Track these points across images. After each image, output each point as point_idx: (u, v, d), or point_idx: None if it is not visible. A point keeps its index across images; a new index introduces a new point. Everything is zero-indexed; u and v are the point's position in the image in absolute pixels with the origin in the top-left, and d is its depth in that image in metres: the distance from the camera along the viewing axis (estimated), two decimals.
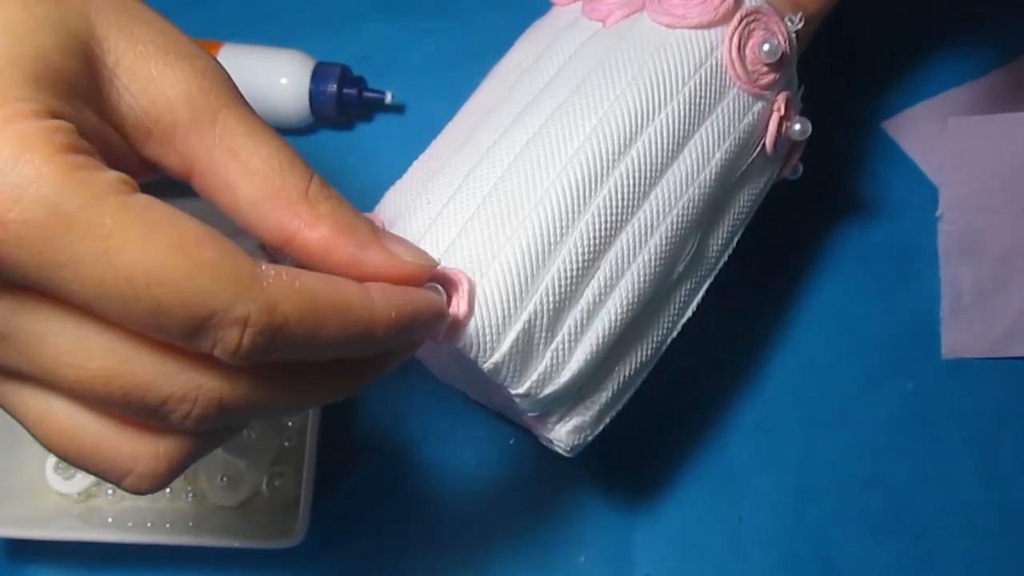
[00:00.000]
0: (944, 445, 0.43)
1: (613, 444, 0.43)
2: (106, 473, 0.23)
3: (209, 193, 0.24)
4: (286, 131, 0.48)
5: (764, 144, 0.34)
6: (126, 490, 0.23)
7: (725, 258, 0.36)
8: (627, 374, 0.33)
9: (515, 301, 0.29)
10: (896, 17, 0.48)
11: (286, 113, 0.47)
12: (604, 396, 0.33)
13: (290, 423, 0.43)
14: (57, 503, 0.42)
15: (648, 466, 0.43)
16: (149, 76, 0.22)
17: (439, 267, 0.27)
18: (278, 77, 0.46)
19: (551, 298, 0.29)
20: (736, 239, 0.36)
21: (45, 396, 0.22)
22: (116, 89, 0.22)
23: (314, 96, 0.46)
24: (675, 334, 0.35)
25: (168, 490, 0.42)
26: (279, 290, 0.21)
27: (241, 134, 0.23)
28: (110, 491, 0.42)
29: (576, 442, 0.33)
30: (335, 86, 0.46)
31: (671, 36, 0.32)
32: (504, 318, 0.29)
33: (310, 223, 0.23)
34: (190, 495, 0.42)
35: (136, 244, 0.19)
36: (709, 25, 0.32)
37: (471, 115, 0.35)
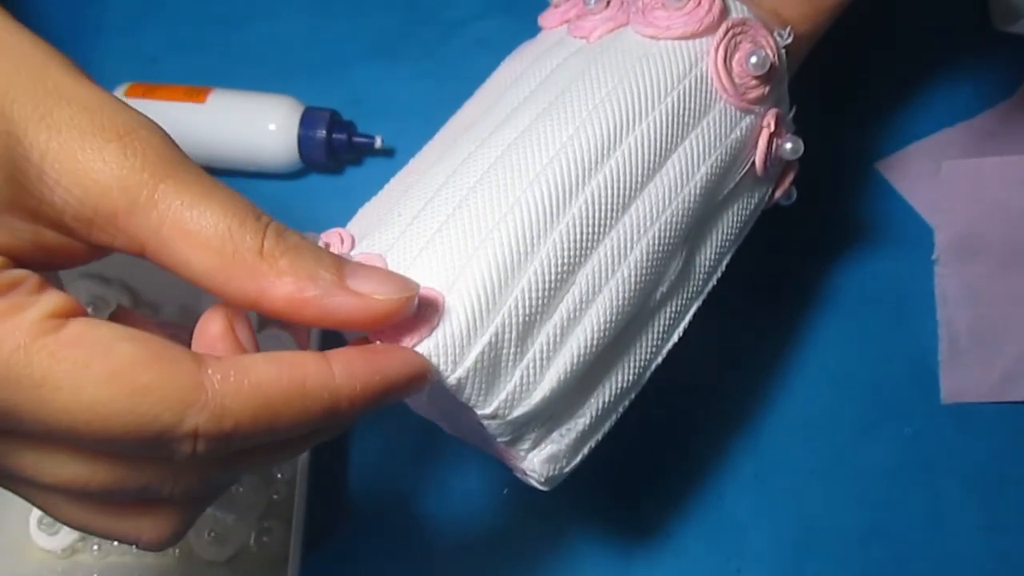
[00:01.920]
0: (944, 492, 0.42)
1: (608, 491, 0.42)
2: (122, 541, 0.24)
3: (166, 268, 0.23)
4: (275, 176, 0.48)
5: (754, 162, 0.33)
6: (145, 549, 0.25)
7: (713, 281, 0.34)
8: (606, 400, 0.32)
9: (481, 314, 0.28)
10: (888, 58, 0.48)
11: (275, 159, 0.46)
12: (581, 423, 0.31)
13: (280, 475, 0.42)
14: (41, 559, 0.41)
15: (645, 513, 0.42)
16: (77, 165, 0.21)
17: (420, 290, 0.26)
18: (266, 123, 0.46)
19: (521, 311, 0.28)
20: (725, 262, 0.34)
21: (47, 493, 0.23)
22: (47, 185, 0.21)
23: (303, 141, 0.46)
24: (659, 359, 0.33)
25: None
26: (226, 394, 0.21)
27: (185, 206, 0.22)
28: (95, 546, 0.42)
29: (551, 472, 0.31)
30: (324, 131, 0.46)
31: (654, 47, 0.31)
32: (469, 331, 0.27)
33: (272, 283, 0.22)
34: (177, 551, 0.41)
35: (69, 387, 0.19)
36: (693, 36, 0.31)
37: (452, 131, 0.34)
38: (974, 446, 0.43)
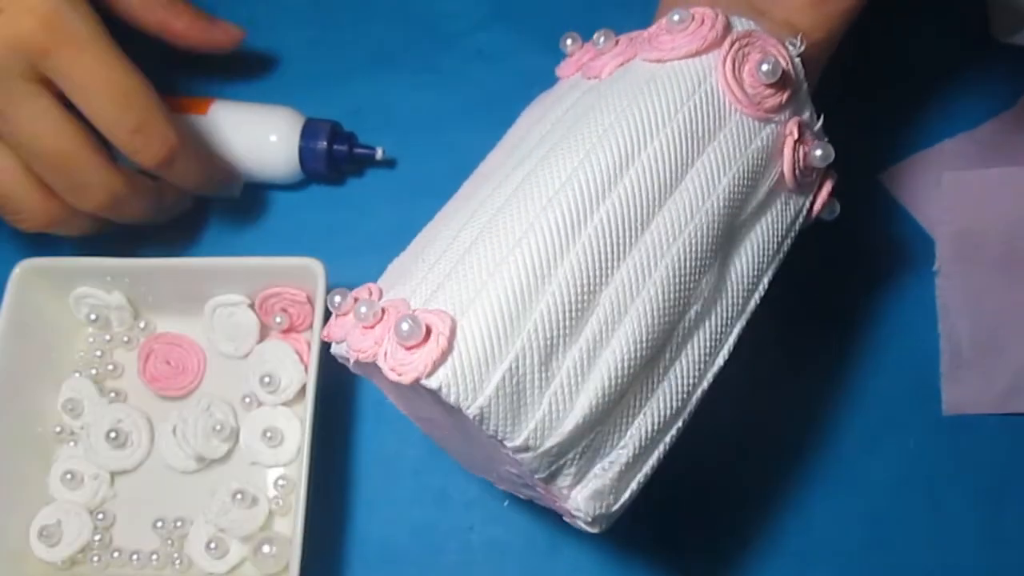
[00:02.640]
0: (946, 504, 0.42)
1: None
2: (8, 205, 0.40)
3: (111, 7, 0.42)
4: (277, 187, 0.48)
5: (783, 172, 0.33)
6: (18, 226, 0.41)
7: (756, 299, 0.33)
8: (650, 429, 0.30)
9: (499, 340, 0.27)
10: (889, 70, 0.48)
11: (276, 170, 0.46)
12: (624, 454, 0.30)
13: (280, 487, 0.42)
14: (41, 570, 0.41)
15: (643, 522, 0.42)
16: None
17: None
18: (268, 134, 0.46)
19: (542, 335, 0.28)
20: (767, 279, 0.34)
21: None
22: None
23: (304, 153, 0.46)
24: (705, 384, 0.32)
25: (155, 556, 0.41)
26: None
27: None
28: (95, 558, 0.41)
29: (598, 511, 0.30)
30: (325, 143, 0.46)
31: (661, 70, 0.32)
32: (487, 358, 0.27)
33: (175, 17, 0.45)
34: (177, 562, 0.41)
35: (120, 68, 0.38)
36: (698, 53, 0.32)
37: (473, 182, 0.34)
38: (976, 458, 0.43)
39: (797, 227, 0.35)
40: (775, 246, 0.34)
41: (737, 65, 0.32)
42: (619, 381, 0.29)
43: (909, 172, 0.46)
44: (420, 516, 0.43)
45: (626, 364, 0.29)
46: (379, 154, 0.47)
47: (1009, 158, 0.45)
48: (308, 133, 0.46)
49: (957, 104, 0.47)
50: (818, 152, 0.33)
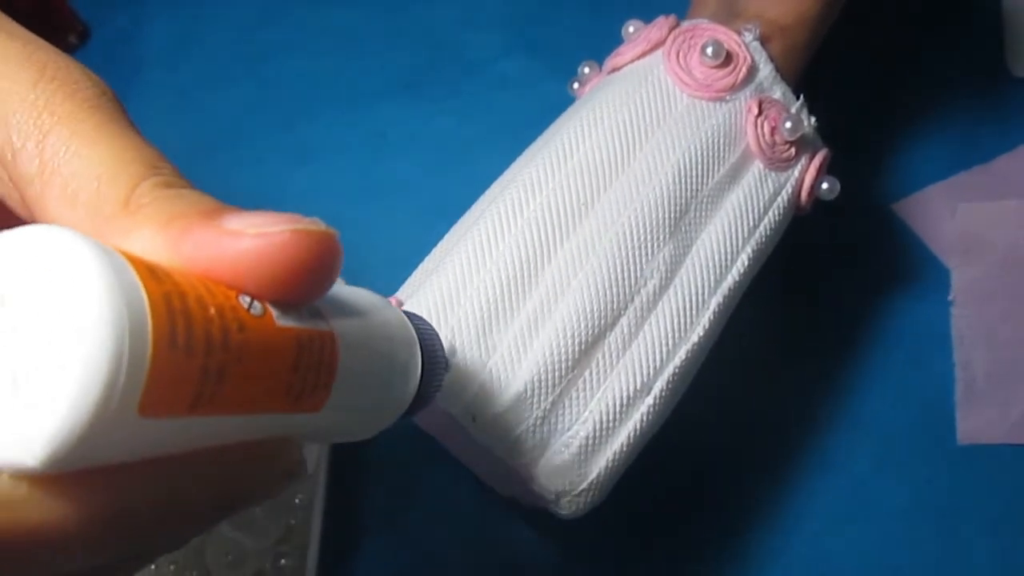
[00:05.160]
0: (960, 534, 0.42)
1: (611, 508, 0.42)
2: None
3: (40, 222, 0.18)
4: None
5: (749, 147, 0.34)
6: None
7: (732, 277, 0.33)
8: (612, 404, 0.31)
9: (436, 317, 0.30)
10: (905, 101, 0.49)
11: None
12: (586, 430, 0.30)
13: (297, 499, 0.43)
14: None
15: (649, 542, 0.42)
16: None
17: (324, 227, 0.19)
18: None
19: (476, 311, 0.30)
20: (744, 256, 0.34)
21: None
22: None
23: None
24: (678, 361, 0.32)
25: (172, 566, 0.42)
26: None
27: (69, 153, 0.18)
28: None
29: (560, 487, 0.30)
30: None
31: (615, 76, 0.35)
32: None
33: (126, 231, 0.17)
34: (195, 572, 0.42)
35: None
36: (645, 53, 0.35)
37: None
38: (990, 488, 0.42)
39: (781, 205, 0.35)
40: (752, 222, 0.34)
41: (682, 55, 0.34)
42: (564, 351, 0.30)
43: (924, 203, 0.47)
44: (433, 534, 0.43)
45: (570, 334, 0.30)
46: None
47: (1023, 190, 0.45)
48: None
49: (972, 137, 0.48)
50: (787, 124, 0.34)
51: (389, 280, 0.47)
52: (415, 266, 0.47)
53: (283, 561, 0.40)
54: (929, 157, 0.48)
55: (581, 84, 0.38)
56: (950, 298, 0.45)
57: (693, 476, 0.43)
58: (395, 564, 0.43)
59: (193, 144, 0.50)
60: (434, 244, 0.48)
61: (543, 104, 0.50)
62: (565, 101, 0.49)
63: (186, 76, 0.49)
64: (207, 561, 0.42)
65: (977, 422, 0.43)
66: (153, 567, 0.42)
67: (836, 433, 0.44)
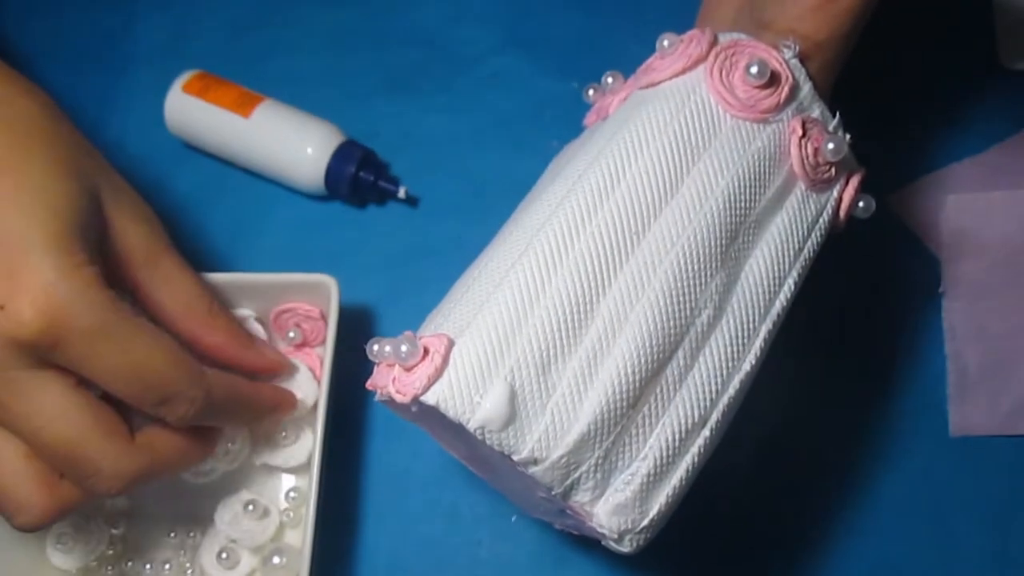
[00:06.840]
0: (953, 526, 0.42)
1: None
2: (6, 503, 0.34)
3: (147, 308, 0.36)
4: (303, 194, 0.49)
5: (793, 170, 0.33)
6: (14, 525, 0.34)
7: (781, 302, 0.33)
8: (671, 439, 0.30)
9: (493, 355, 0.28)
10: (897, 94, 0.49)
11: (303, 181, 0.47)
12: (646, 467, 0.30)
13: (291, 499, 0.43)
14: None
15: (653, 548, 0.42)
16: (124, 229, 0.35)
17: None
18: (304, 146, 0.47)
19: (536, 348, 0.29)
20: (791, 280, 0.33)
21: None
22: (109, 234, 0.35)
23: (330, 172, 0.47)
24: (732, 391, 0.31)
25: (167, 565, 0.42)
26: (215, 382, 0.36)
27: (172, 271, 0.37)
28: (110, 567, 0.42)
29: (622, 526, 0.30)
30: (353, 168, 0.47)
31: (652, 93, 0.33)
32: (482, 372, 0.28)
33: (210, 332, 0.38)
34: (190, 571, 0.42)
35: (142, 347, 0.33)
36: (686, 70, 0.33)
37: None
38: (983, 480, 0.43)
39: (823, 226, 0.34)
40: (796, 245, 0.33)
41: (725, 73, 0.33)
42: (625, 388, 0.29)
43: (915, 195, 0.47)
44: (429, 531, 0.43)
45: (630, 370, 0.29)
46: (401, 193, 0.47)
47: (1014, 182, 0.45)
48: (340, 154, 0.47)
49: (964, 129, 0.48)
50: (830, 146, 0.33)
51: (378, 274, 0.47)
52: (408, 264, 0.47)
53: (277, 559, 0.40)
54: (921, 150, 0.48)
55: (603, 94, 0.37)
56: (941, 290, 0.45)
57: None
58: (389, 563, 0.43)
59: (184, 144, 0.50)
60: (426, 239, 0.48)
61: (535, 100, 0.50)
62: (556, 97, 0.49)
63: (177, 74, 0.49)
64: (201, 560, 0.42)
65: (969, 414, 0.43)
66: (148, 567, 0.42)
67: (828, 427, 0.44)
